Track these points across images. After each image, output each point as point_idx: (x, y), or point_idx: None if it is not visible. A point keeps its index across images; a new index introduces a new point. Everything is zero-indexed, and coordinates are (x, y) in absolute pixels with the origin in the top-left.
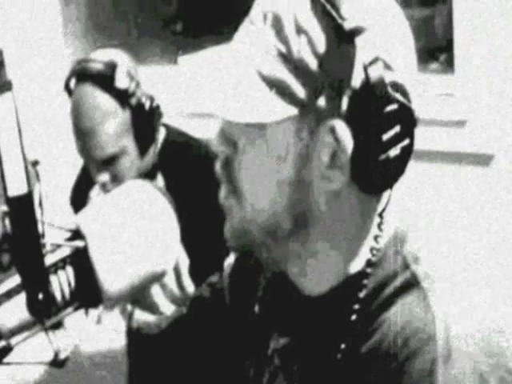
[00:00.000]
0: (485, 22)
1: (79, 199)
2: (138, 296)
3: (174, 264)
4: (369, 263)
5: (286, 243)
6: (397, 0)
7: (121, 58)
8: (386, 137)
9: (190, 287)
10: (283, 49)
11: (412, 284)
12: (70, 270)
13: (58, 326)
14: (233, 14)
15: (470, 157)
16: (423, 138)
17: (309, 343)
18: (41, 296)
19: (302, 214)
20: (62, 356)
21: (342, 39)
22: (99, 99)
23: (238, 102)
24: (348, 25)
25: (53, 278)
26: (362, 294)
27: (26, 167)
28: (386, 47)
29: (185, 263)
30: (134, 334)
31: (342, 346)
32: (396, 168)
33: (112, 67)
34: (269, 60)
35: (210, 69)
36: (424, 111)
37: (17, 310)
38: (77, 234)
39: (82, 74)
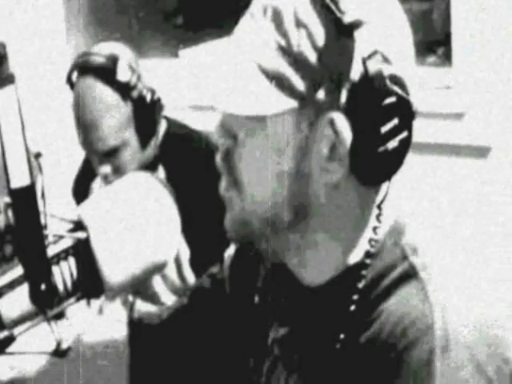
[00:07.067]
0: (482, 16)
1: (81, 191)
2: (140, 287)
3: (175, 255)
4: (368, 254)
5: (286, 234)
6: None
7: (122, 52)
8: (384, 129)
9: (191, 278)
10: (283, 42)
11: (410, 275)
12: (72, 260)
13: (60, 316)
14: (233, 8)
15: (468, 149)
16: (421, 131)
17: (308, 333)
18: (43, 286)
19: (301, 206)
20: (64, 346)
21: (341, 33)
22: (101, 92)
23: (238, 95)
24: (347, 18)
25: (55, 269)
26: (360, 285)
27: (28, 159)
28: (384, 41)
29: (185, 254)
30: (136, 325)
31: (341, 336)
32: (394, 160)
33: (114, 60)
34: (268, 53)
35: (210, 62)
36: (422, 104)
37: (19, 301)
38: (79, 226)
39: (83, 67)
